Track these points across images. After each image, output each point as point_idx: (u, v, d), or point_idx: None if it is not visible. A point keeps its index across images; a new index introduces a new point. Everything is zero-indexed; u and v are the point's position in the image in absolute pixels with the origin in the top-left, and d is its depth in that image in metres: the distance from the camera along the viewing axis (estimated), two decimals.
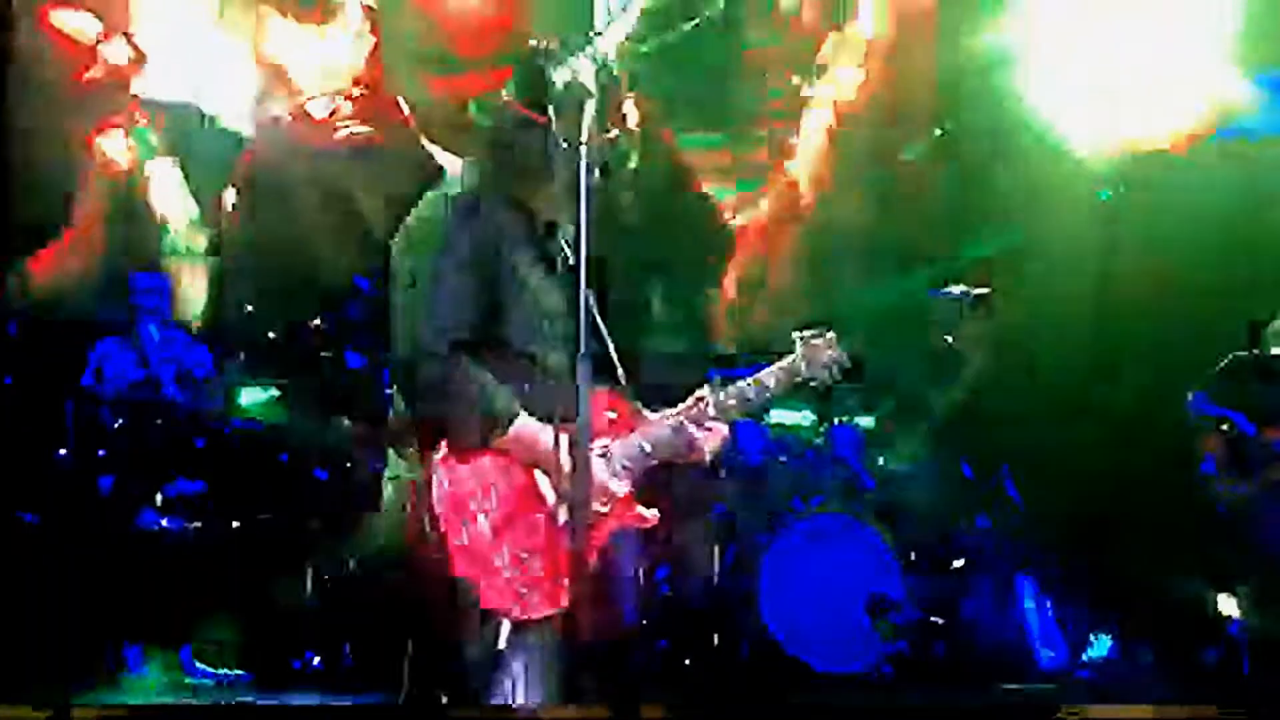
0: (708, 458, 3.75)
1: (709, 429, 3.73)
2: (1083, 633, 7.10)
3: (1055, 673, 6.86)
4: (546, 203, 3.61)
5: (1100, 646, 7.11)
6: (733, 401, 3.77)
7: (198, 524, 6.92)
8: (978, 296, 7.30)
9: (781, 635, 6.57)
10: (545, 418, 3.51)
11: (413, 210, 3.88)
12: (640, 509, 3.76)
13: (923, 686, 6.53)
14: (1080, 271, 8.13)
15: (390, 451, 5.12)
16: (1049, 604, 7.04)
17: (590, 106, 3.40)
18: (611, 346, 3.71)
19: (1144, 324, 7.88)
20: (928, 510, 7.17)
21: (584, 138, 3.35)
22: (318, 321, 6.91)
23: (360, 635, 6.52)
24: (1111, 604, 7.15)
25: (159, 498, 7.02)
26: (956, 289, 7.40)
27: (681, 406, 3.78)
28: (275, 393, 7.32)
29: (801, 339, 3.89)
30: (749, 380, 3.82)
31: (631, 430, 3.72)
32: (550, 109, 3.45)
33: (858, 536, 6.71)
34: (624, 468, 3.67)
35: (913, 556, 6.79)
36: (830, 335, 3.90)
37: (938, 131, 8.71)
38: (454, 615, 3.53)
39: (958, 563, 7.07)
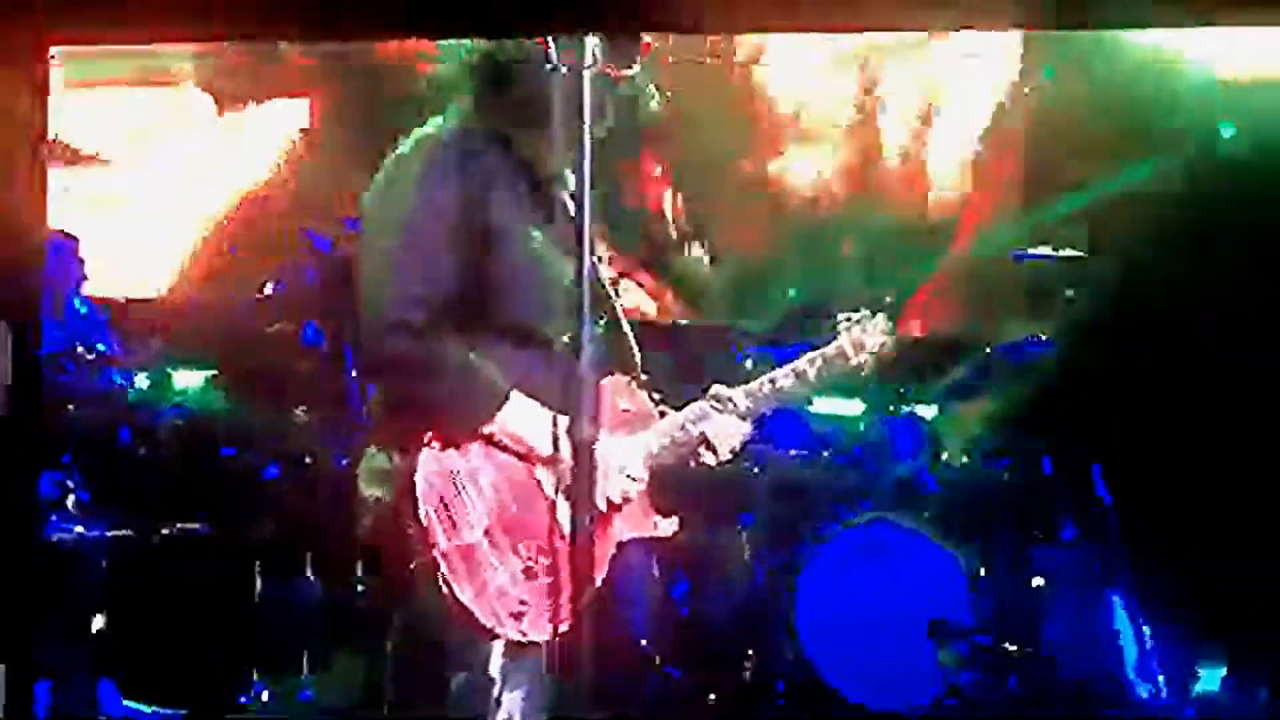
0: (725, 456, 4.02)
1: (725, 424, 3.99)
2: (1189, 663, 7.27)
3: (1155, 711, 7.02)
4: (546, 146, 3.72)
5: (1210, 680, 7.25)
6: (765, 392, 4.03)
7: (122, 532, 7.10)
8: (1068, 259, 7.51)
9: (824, 665, 6.81)
10: (545, 404, 3.72)
11: (388, 151, 4.00)
12: (656, 517, 4.05)
13: None
14: (1195, 224, 8.19)
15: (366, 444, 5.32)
16: (1147, 629, 7.20)
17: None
18: (625, 323, 3.96)
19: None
20: (1001, 517, 7.34)
21: (586, 64, 3.43)
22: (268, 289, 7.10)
23: (324, 661, 6.76)
24: (1224, 629, 7.32)
25: (71, 500, 7.18)
26: (1043, 250, 7.61)
27: (703, 401, 4.03)
28: (214, 374, 7.51)
29: (846, 321, 4.16)
30: (786, 369, 4.07)
31: (646, 425, 3.98)
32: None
33: (916, 549, 6.94)
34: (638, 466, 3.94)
35: (983, 572, 7.00)
36: (880, 317, 4.18)
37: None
38: (438, 635, 3.76)
39: (1037, 580, 7.23)
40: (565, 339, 3.41)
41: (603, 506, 3.83)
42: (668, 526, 4.07)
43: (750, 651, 7.12)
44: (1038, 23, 6.50)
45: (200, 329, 7.94)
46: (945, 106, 9.32)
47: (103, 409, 7.24)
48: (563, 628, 3.69)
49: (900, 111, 9.30)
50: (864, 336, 4.16)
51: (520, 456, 3.79)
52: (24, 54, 3.85)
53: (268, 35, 7.73)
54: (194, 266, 9.08)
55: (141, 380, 7.47)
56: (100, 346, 7.44)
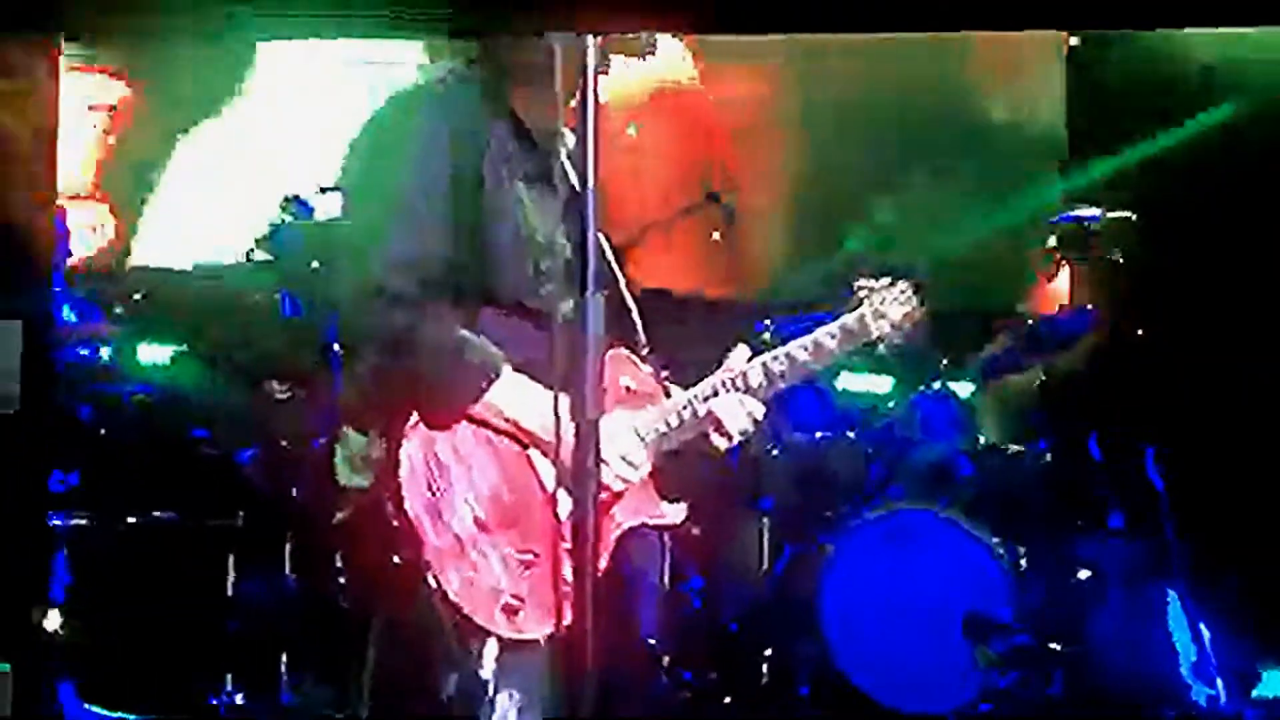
0: (736, 439, 4.01)
1: (736, 402, 3.98)
2: (1250, 664, 7.27)
3: (1213, 715, 7.03)
4: (544, 104, 3.66)
5: (1273, 682, 7.25)
6: (780, 367, 4.02)
7: (83, 521, 7.12)
8: (1116, 220, 7.49)
9: (850, 665, 6.86)
10: (541, 381, 3.70)
11: (372, 108, 4.01)
12: (663, 503, 4.04)
13: None
14: (1261, 182, 8.17)
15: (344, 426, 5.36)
16: (1204, 626, 7.20)
17: None
18: (628, 294, 3.95)
19: None
20: (1043, 504, 7.33)
21: None
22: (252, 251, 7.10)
23: (301, 661, 6.77)
24: None
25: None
26: (1090, 211, 7.59)
27: (714, 375, 4.02)
28: (184, 349, 7.51)
29: (867, 290, 4.14)
30: (803, 341, 4.06)
31: (651, 403, 3.97)
32: None
33: (950, 538, 6.98)
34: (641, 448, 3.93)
35: (1023, 564, 7.01)
36: (903, 285, 4.16)
37: None
38: (426, 633, 3.73)
39: (1083, 573, 7.23)
40: (564, 311, 3.37)
41: (602, 492, 3.81)
42: (676, 513, 4.06)
43: (769, 650, 7.15)
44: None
45: (170, 299, 7.93)
46: (980, 61, 9.33)
47: (62, 385, 7.26)
48: (561, 624, 3.66)
49: (934, 67, 9.29)
50: (886, 306, 4.15)
51: (513, 438, 3.78)
52: (35, 50, 3.87)
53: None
54: (165, 232, 9.10)
55: (103, 354, 7.46)
56: (70, 314, 7.45)
